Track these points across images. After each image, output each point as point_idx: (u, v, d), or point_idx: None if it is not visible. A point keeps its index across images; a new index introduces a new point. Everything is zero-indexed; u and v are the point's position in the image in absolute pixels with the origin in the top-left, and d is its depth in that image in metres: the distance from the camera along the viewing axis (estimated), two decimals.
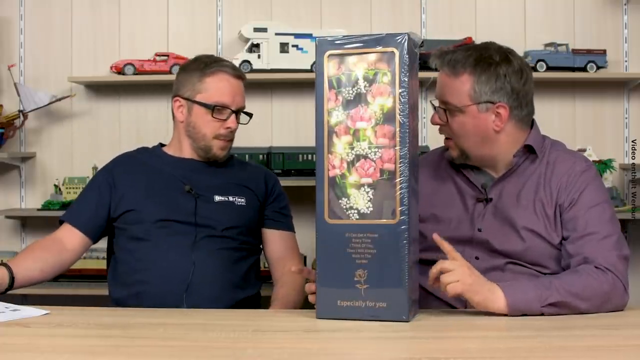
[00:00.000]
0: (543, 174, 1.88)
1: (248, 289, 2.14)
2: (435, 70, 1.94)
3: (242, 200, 2.18)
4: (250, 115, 2.26)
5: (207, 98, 2.14)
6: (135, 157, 2.25)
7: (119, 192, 2.15)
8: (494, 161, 1.92)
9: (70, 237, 2.12)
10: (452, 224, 1.92)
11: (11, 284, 1.94)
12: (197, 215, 2.10)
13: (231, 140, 2.20)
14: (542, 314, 1.68)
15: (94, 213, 2.14)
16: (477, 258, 1.88)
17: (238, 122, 2.18)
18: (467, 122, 1.86)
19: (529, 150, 1.91)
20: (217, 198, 2.15)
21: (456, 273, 1.65)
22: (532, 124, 1.95)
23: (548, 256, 1.84)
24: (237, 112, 2.18)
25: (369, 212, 1.61)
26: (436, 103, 1.93)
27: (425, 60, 3.41)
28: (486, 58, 1.85)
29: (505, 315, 1.67)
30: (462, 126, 1.87)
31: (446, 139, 1.93)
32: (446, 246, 1.69)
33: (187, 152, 2.22)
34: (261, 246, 2.28)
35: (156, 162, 2.21)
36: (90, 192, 2.19)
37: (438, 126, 1.95)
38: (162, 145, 2.30)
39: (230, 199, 2.17)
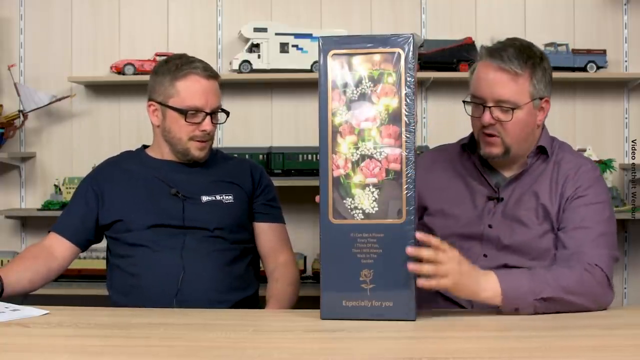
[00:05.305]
0: (550, 174, 1.91)
1: (246, 289, 2.12)
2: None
3: (230, 197, 2.14)
4: (227, 113, 2.17)
5: (180, 102, 2.09)
6: (119, 164, 2.22)
7: (106, 202, 2.13)
8: (514, 160, 1.94)
9: (59, 246, 2.11)
10: (462, 220, 1.93)
11: (0, 294, 1.92)
12: (185, 219, 2.08)
13: (210, 140, 2.15)
14: (534, 311, 1.67)
15: (82, 224, 2.13)
16: (485, 256, 1.89)
17: (215, 123, 2.13)
18: (522, 119, 1.88)
19: (540, 151, 1.94)
20: (205, 198, 2.12)
21: (446, 267, 1.60)
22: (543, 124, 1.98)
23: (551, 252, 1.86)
24: (212, 113, 2.11)
25: (374, 212, 1.61)
26: (472, 100, 1.92)
27: (425, 60, 3.46)
28: (534, 55, 1.90)
29: (497, 309, 1.66)
30: (517, 123, 1.88)
31: (491, 135, 1.90)
32: (433, 240, 1.63)
33: (168, 154, 2.18)
34: None
35: (140, 167, 2.18)
36: (77, 202, 2.18)
37: (475, 123, 1.93)
38: (145, 146, 2.28)
39: (218, 197, 2.13)
